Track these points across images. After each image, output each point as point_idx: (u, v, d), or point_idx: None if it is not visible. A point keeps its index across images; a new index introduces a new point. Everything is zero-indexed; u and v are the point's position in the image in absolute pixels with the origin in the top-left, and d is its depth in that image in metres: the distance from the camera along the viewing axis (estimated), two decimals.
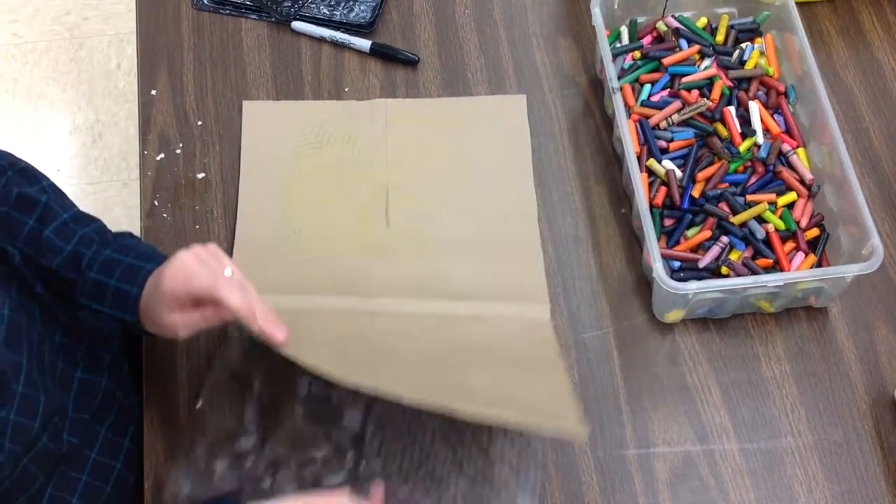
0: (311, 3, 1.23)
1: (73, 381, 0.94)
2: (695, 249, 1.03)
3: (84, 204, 0.99)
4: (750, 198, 1.04)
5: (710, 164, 1.06)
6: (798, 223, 1.04)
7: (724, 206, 1.04)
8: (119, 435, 1.00)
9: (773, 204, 1.05)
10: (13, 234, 0.92)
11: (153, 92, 1.18)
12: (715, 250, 1.02)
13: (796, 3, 1.10)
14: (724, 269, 1.00)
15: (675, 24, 1.15)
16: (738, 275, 1.00)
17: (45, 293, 0.94)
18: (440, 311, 1.02)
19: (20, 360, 0.85)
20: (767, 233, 1.03)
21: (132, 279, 0.89)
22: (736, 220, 1.02)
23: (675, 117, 1.08)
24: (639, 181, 1.00)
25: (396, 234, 1.08)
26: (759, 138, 1.08)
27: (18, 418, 0.83)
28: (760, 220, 1.04)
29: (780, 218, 1.04)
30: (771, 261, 1.01)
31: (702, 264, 1.01)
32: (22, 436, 0.84)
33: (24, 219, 0.92)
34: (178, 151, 1.14)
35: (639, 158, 1.07)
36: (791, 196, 1.05)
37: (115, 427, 0.99)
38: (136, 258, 0.90)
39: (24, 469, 0.86)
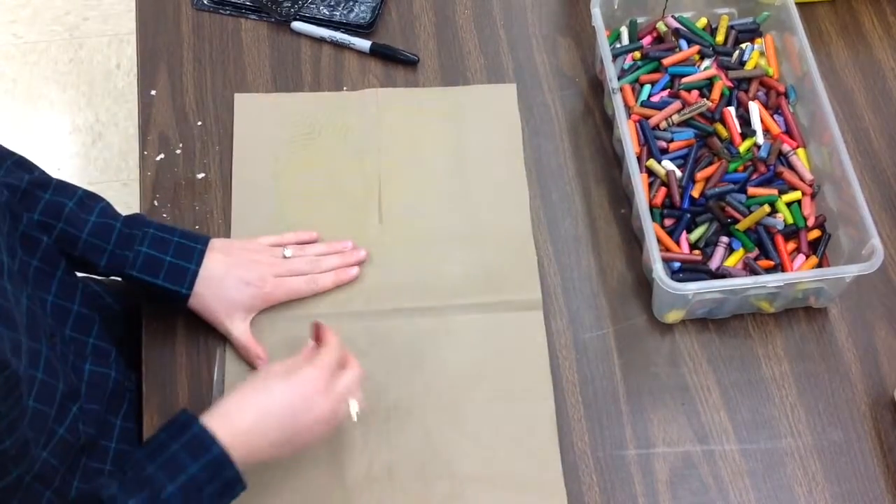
0: (310, 3, 1.23)
1: (83, 373, 0.95)
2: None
3: None
4: (752, 191, 1.04)
5: (710, 164, 1.06)
6: (805, 220, 1.04)
7: (727, 209, 1.03)
8: (135, 423, 1.00)
9: (774, 197, 1.04)
10: (32, 209, 0.96)
11: (153, 92, 1.18)
12: (720, 251, 1.02)
13: (796, 4, 1.10)
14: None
15: (675, 24, 1.15)
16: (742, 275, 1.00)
17: (64, 276, 0.96)
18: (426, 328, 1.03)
19: (39, 348, 0.85)
20: (772, 234, 1.02)
21: (188, 256, 0.98)
22: (741, 226, 1.02)
23: (675, 118, 1.08)
24: (638, 182, 1.00)
25: (389, 230, 1.08)
26: (759, 139, 1.08)
27: (36, 405, 0.83)
28: (771, 210, 1.03)
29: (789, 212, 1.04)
30: (772, 262, 1.01)
31: (713, 266, 1.01)
32: (39, 422, 0.84)
33: (42, 194, 0.97)
34: (178, 152, 1.14)
35: (639, 159, 1.07)
36: (795, 194, 1.05)
37: (129, 416, 1.00)
38: (182, 237, 1.00)
39: (45, 462, 0.86)
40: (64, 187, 0.99)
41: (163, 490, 0.80)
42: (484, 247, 1.07)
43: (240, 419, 0.85)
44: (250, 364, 1.00)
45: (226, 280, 0.99)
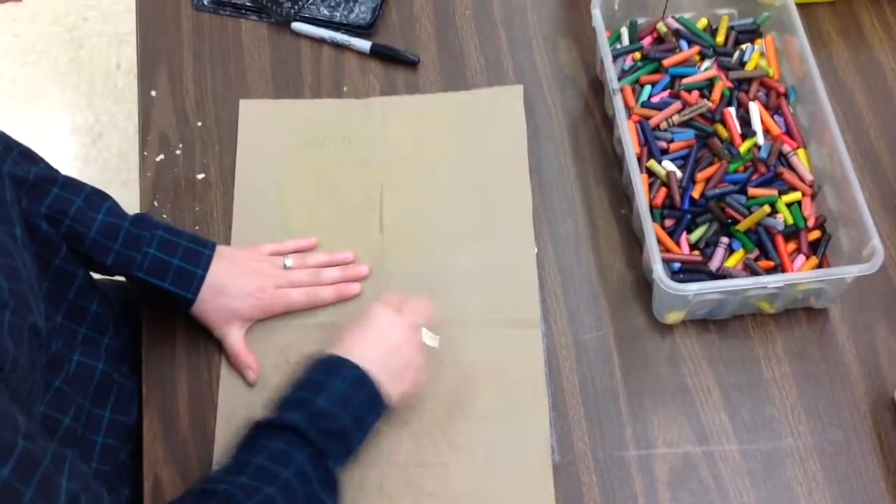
0: (311, 3, 1.23)
1: (70, 363, 0.94)
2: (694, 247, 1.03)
3: None
4: (752, 192, 1.04)
5: (710, 164, 1.06)
6: (806, 220, 1.04)
7: (727, 210, 1.03)
8: (125, 416, 1.00)
9: (774, 198, 1.04)
10: (39, 202, 0.96)
11: (153, 93, 1.18)
12: (720, 252, 1.02)
13: (796, 4, 1.10)
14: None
15: (676, 25, 1.15)
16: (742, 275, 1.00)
17: (62, 264, 0.96)
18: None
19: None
20: (772, 234, 1.02)
21: (196, 261, 0.99)
22: (741, 226, 1.02)
23: (676, 118, 1.08)
24: (639, 182, 1.00)
25: (389, 239, 1.08)
26: (760, 139, 1.08)
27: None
28: (771, 210, 1.03)
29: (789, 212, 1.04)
30: (772, 263, 1.01)
31: (713, 267, 1.01)
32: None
33: (50, 188, 0.97)
34: (178, 152, 1.14)
35: (639, 159, 1.07)
36: (795, 195, 1.05)
37: (118, 408, 1.00)
38: (190, 241, 1.00)
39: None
40: (72, 184, 0.99)
41: (313, 404, 0.86)
42: (484, 261, 1.06)
43: (350, 354, 0.91)
44: (240, 372, 1.00)
45: (230, 288, 0.99)
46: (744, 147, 1.07)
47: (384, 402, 0.90)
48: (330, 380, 0.88)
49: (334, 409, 0.86)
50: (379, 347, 0.92)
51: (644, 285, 1.06)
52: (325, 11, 1.22)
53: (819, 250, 1.03)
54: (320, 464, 0.85)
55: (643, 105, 1.10)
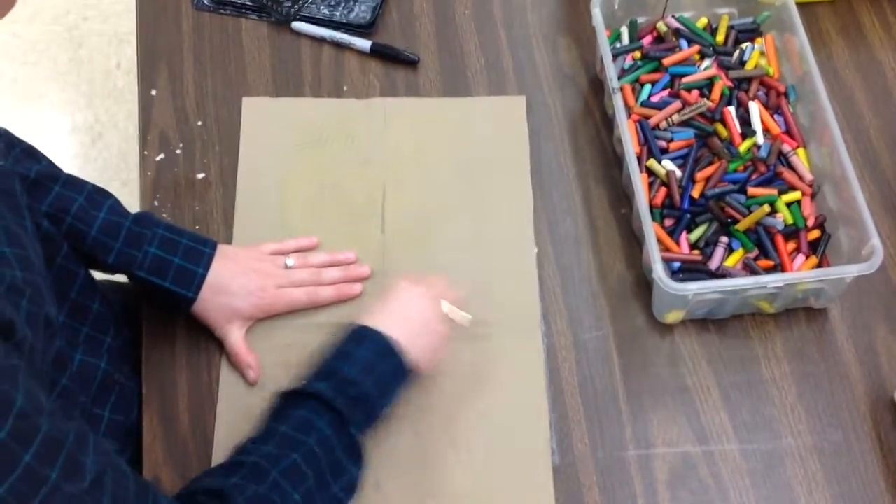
0: (311, 3, 1.23)
1: (73, 362, 0.94)
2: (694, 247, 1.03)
3: None
4: (751, 191, 1.04)
5: (710, 164, 1.06)
6: (805, 220, 1.04)
7: (727, 209, 1.03)
8: (125, 416, 1.00)
9: (774, 197, 1.04)
10: (41, 200, 0.96)
11: (153, 92, 1.18)
12: (720, 251, 1.02)
13: (796, 4, 1.10)
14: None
15: (676, 24, 1.15)
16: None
17: (63, 262, 0.96)
18: None
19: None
20: (771, 234, 1.02)
21: (197, 260, 0.99)
22: (740, 226, 1.02)
23: (675, 117, 1.08)
24: (638, 182, 1.00)
25: (391, 240, 1.08)
26: (760, 139, 1.08)
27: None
28: (771, 210, 1.03)
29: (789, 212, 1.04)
30: (772, 262, 1.01)
31: (713, 266, 1.01)
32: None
33: (52, 186, 0.98)
34: (178, 152, 1.14)
35: (639, 159, 1.07)
36: (795, 194, 1.05)
37: (118, 408, 1.00)
38: (191, 240, 1.00)
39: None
40: (73, 182, 1.00)
41: (339, 373, 0.88)
42: (485, 263, 1.06)
43: (375, 325, 0.92)
44: (241, 372, 1.00)
45: (231, 287, 1.00)
46: (743, 146, 1.07)
47: (408, 370, 0.92)
48: (356, 349, 0.90)
49: (359, 377, 0.88)
50: (403, 318, 0.93)
51: (644, 285, 1.06)
52: (326, 11, 1.22)
53: (819, 250, 1.03)
54: (343, 430, 0.86)
55: (643, 104, 1.10)
